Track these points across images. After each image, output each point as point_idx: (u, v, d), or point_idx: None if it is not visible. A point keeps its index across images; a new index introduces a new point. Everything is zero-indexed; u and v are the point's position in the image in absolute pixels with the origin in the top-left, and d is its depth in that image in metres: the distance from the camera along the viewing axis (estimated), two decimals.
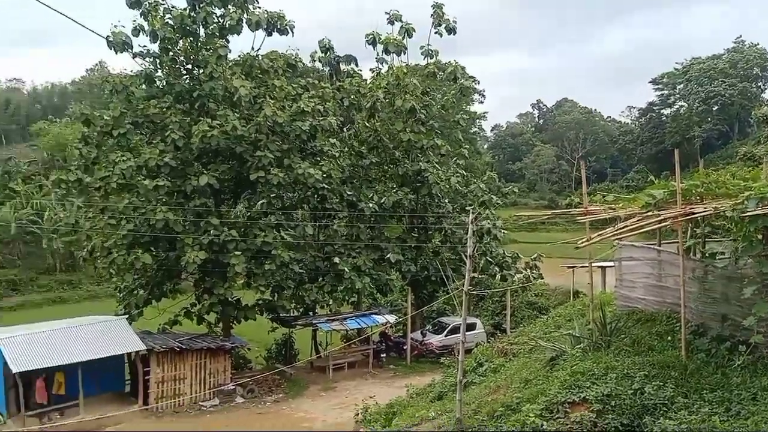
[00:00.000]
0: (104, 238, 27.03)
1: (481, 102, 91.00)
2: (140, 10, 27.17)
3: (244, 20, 28.33)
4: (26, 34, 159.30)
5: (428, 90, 33.58)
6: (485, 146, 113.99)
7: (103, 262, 28.15)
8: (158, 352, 25.61)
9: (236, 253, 25.89)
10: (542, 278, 36.96)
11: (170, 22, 27.07)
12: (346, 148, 31.84)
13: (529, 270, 35.84)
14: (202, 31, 28.09)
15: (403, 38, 33.02)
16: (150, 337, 27.05)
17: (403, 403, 18.49)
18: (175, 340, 26.84)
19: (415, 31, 33.24)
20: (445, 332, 33.04)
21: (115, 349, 25.43)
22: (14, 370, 22.86)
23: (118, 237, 26.40)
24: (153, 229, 26.01)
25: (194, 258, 25.33)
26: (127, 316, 27.56)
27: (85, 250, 28.68)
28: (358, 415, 18.49)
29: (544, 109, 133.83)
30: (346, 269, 29.10)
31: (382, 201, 31.29)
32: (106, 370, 25.84)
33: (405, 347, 32.68)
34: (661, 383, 11.17)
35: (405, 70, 32.38)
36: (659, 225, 12.12)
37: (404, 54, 33.58)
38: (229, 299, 28.16)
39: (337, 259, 29.43)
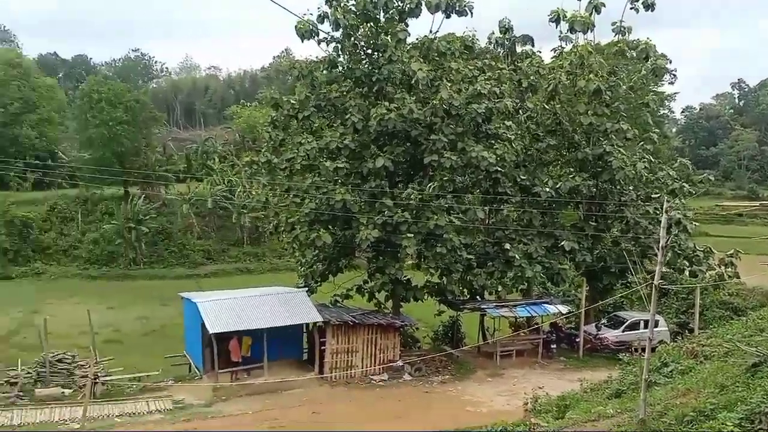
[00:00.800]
0: (289, 215, 28.84)
1: (671, 82, 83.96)
2: None
3: (424, 3, 28.50)
4: (223, 23, 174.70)
5: (615, 69, 31.53)
6: (673, 130, 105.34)
7: (287, 238, 30.06)
8: (334, 325, 26.95)
9: (408, 234, 26.35)
10: (738, 277, 33.42)
11: (353, 8, 27.96)
12: (522, 131, 30.94)
13: (723, 267, 32.54)
14: (382, 16, 28.69)
15: (591, 15, 31.19)
16: (326, 310, 28.51)
17: (576, 396, 17.74)
18: (348, 314, 28.12)
19: (604, 5, 31.28)
20: (622, 327, 31.16)
21: (296, 318, 27.16)
22: (210, 330, 25.32)
23: (301, 215, 27.99)
24: (332, 208, 27.24)
25: (367, 236, 26.19)
26: (306, 288, 29.29)
27: (272, 225, 30.80)
28: (527, 404, 18.05)
29: (746, 89, 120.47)
30: (516, 256, 28.46)
31: (557, 186, 30.06)
32: (287, 337, 27.68)
33: (577, 340, 31.31)
34: None
35: (590, 49, 30.60)
36: None
37: (591, 32, 31.79)
38: (400, 279, 28.79)
39: (507, 245, 28.87)
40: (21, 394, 24.76)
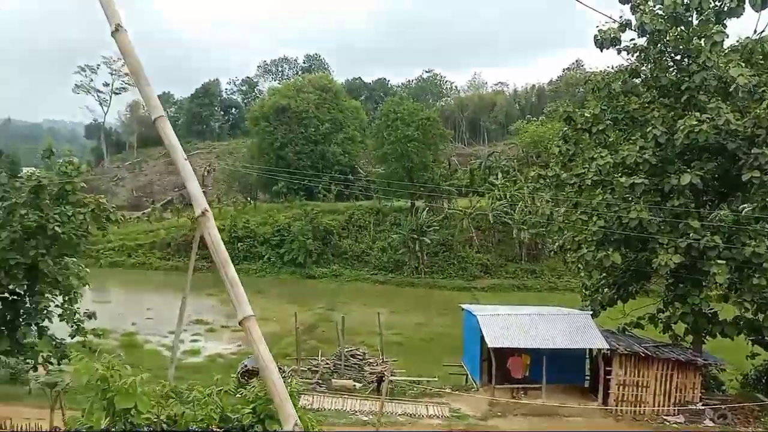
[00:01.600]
0: (576, 233, 27.51)
1: None
2: (629, 4, 26.55)
3: (747, 0, 24.97)
4: (514, 40, 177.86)
5: None
6: None
7: (572, 257, 28.74)
8: (621, 354, 25.00)
9: (719, 261, 23.12)
10: None
11: (660, 12, 25.71)
12: None
13: None
14: (695, 18, 25.90)
15: None
16: (613, 337, 26.57)
17: None
18: (639, 344, 25.81)
19: None
20: None
21: (580, 342, 25.87)
22: (489, 344, 25.34)
23: (589, 233, 26.49)
24: (625, 228, 25.26)
25: (667, 261, 23.66)
26: (591, 312, 27.61)
27: (556, 244, 29.74)
28: None
29: None
30: None
31: None
32: (568, 361, 26.52)
33: None
34: None
35: None
36: None
37: None
38: (704, 311, 25.47)
39: None
40: (320, 382, 27.46)
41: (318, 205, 67.39)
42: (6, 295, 25.92)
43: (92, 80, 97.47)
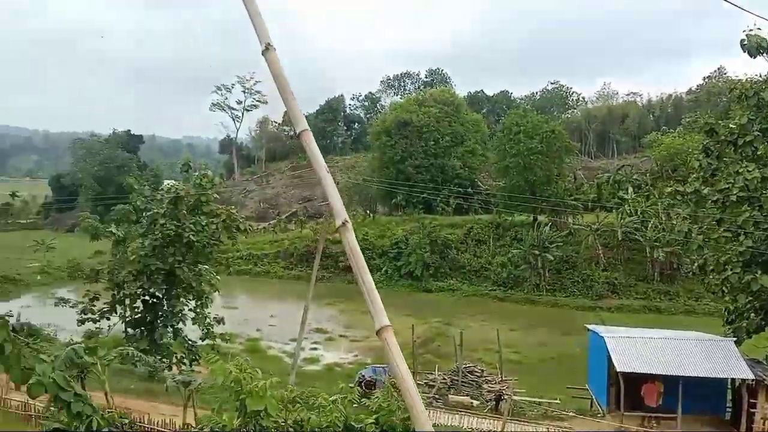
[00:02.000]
0: (719, 253, 25.43)
1: None
2: None
3: None
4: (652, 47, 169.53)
5: None
6: None
7: (714, 279, 26.58)
8: (767, 386, 22.69)
9: None
10: None
11: None
12: None
13: None
14: None
15: None
16: (759, 366, 24.40)
17: None
18: None
19: None
20: None
21: (720, 371, 23.95)
22: (618, 369, 23.98)
23: (734, 253, 24.37)
24: None
25: None
26: (735, 339, 25.35)
27: (696, 264, 27.64)
28: None
29: None
30: None
31: None
32: (707, 390, 24.60)
33: None
34: None
35: None
36: None
37: None
38: None
39: None
40: (437, 397, 27.09)
41: (435, 219, 67.21)
42: (147, 298, 27.98)
43: (227, 98, 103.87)
